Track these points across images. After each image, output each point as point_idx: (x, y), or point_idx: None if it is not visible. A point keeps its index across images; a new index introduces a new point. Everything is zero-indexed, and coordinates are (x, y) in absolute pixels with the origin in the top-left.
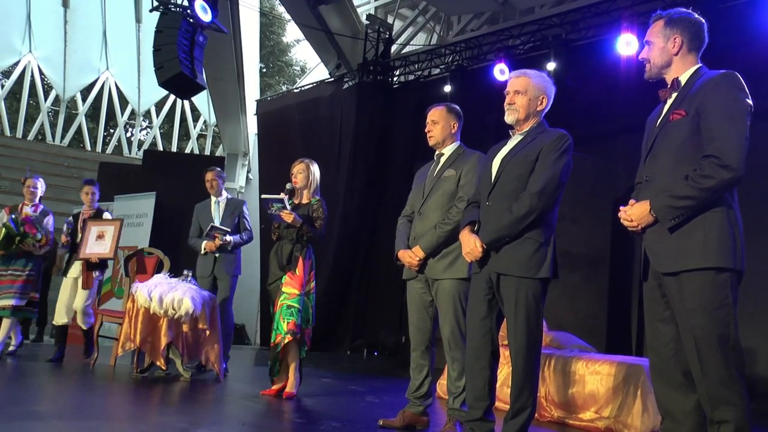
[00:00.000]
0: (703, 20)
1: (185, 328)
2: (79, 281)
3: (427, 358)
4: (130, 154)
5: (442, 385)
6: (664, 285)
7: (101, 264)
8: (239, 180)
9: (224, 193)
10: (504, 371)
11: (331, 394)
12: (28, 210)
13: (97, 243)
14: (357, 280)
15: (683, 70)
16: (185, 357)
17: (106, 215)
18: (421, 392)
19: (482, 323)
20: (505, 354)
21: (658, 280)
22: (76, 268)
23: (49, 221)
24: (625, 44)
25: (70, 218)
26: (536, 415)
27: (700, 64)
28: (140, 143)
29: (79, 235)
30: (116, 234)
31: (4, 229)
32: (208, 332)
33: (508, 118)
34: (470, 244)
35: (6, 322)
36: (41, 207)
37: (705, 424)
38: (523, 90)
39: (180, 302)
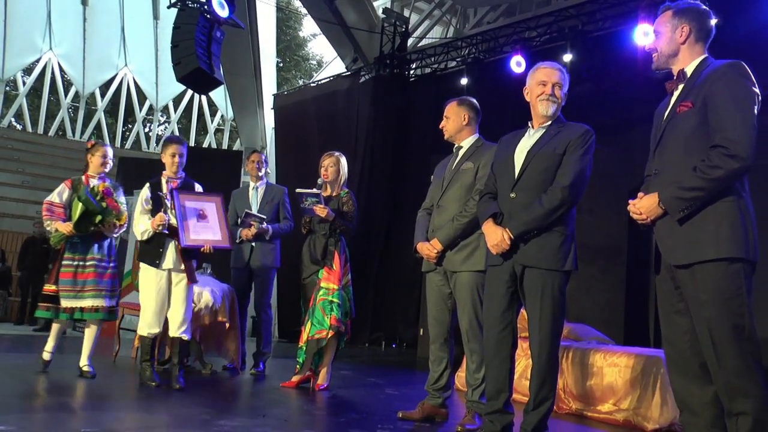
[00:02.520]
0: (711, 11)
1: (205, 320)
2: (177, 276)
3: (446, 350)
4: (148, 149)
5: (460, 377)
6: (677, 277)
7: (196, 251)
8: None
9: (264, 179)
10: (522, 363)
11: (350, 386)
12: (95, 182)
13: (202, 225)
14: (375, 273)
15: (690, 60)
16: (204, 349)
17: (199, 187)
18: (440, 384)
19: (504, 316)
20: (522, 346)
21: (671, 273)
22: (171, 257)
23: (120, 197)
24: (643, 34)
25: (146, 189)
26: (554, 407)
27: (706, 55)
28: (158, 138)
29: (170, 212)
30: (221, 214)
31: (81, 206)
32: (227, 325)
33: (549, 110)
34: (498, 236)
35: (91, 329)
36: (109, 181)
37: (723, 416)
38: (562, 83)
39: (200, 295)
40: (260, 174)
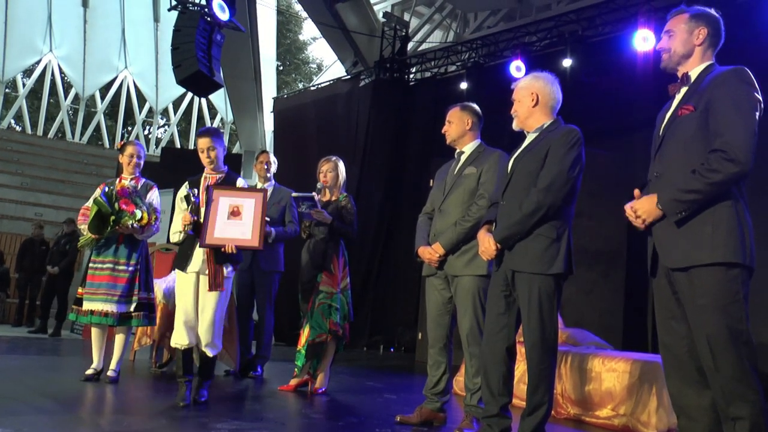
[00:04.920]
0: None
1: None
2: (203, 280)
3: (445, 354)
4: (147, 151)
5: (459, 381)
6: (675, 281)
7: (237, 255)
8: (256, 177)
9: (272, 180)
10: (521, 368)
11: (348, 390)
12: (126, 183)
13: (232, 223)
14: (374, 277)
15: (698, 64)
16: None
17: (241, 182)
18: (439, 389)
19: (499, 319)
20: (521, 351)
21: (669, 277)
22: (198, 260)
23: (153, 197)
24: (642, 40)
25: (183, 188)
26: (553, 412)
27: (713, 61)
28: (158, 141)
29: (203, 210)
30: (259, 211)
31: (94, 207)
32: (226, 328)
33: (514, 126)
34: (485, 243)
35: (120, 335)
36: (143, 180)
37: (720, 421)
38: (517, 98)
39: None
40: (268, 175)
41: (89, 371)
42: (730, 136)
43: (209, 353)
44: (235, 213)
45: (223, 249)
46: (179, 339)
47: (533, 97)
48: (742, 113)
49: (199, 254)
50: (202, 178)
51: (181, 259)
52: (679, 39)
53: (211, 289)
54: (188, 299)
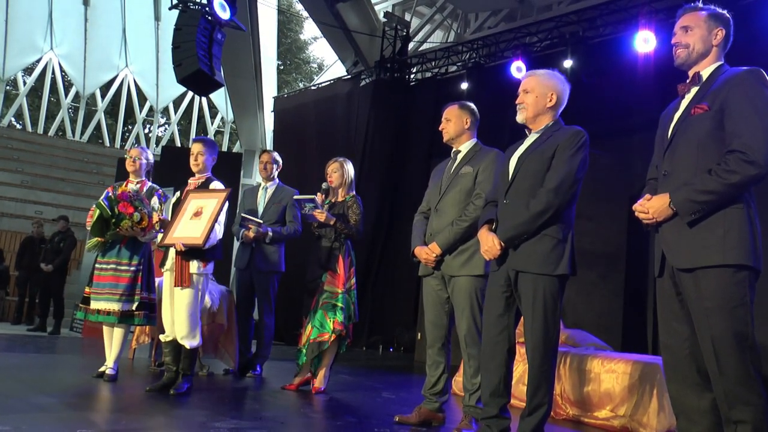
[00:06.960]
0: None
1: (203, 323)
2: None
3: (443, 355)
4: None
5: (457, 382)
6: (680, 282)
7: (207, 252)
8: (256, 176)
9: (276, 180)
10: (519, 369)
11: (347, 389)
12: (132, 186)
13: (192, 223)
14: (373, 277)
15: (711, 64)
16: (201, 352)
17: (216, 184)
18: (437, 389)
19: (499, 320)
20: (521, 351)
21: (674, 278)
22: (172, 257)
23: (155, 201)
24: (643, 41)
25: (162, 191)
26: (552, 412)
27: (723, 62)
28: (158, 139)
29: (160, 212)
30: (216, 211)
31: (97, 210)
32: (225, 327)
33: (518, 117)
34: (488, 242)
35: (118, 332)
36: (149, 184)
37: (721, 423)
38: (531, 88)
39: None
40: (270, 175)
41: (102, 368)
42: (750, 137)
43: (186, 345)
44: (197, 213)
45: (173, 247)
46: (164, 332)
47: (551, 97)
48: (761, 115)
49: (172, 252)
50: (188, 183)
51: (163, 257)
52: (699, 35)
53: (176, 284)
54: (166, 295)
